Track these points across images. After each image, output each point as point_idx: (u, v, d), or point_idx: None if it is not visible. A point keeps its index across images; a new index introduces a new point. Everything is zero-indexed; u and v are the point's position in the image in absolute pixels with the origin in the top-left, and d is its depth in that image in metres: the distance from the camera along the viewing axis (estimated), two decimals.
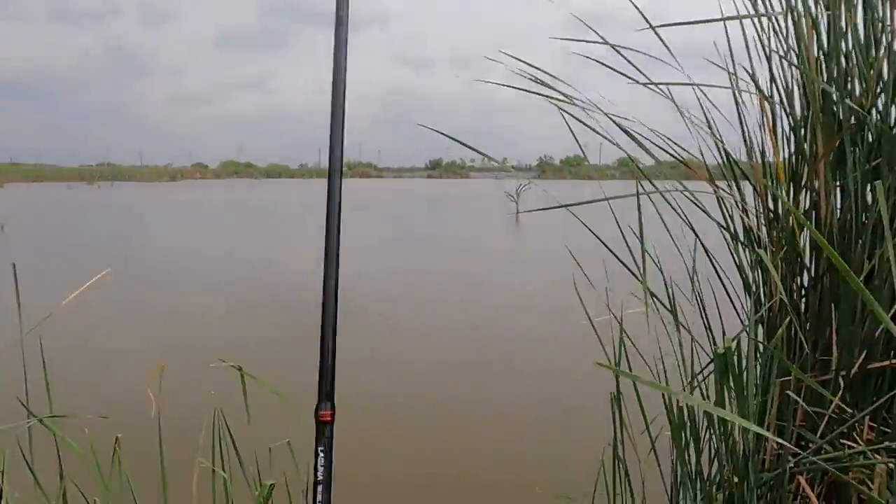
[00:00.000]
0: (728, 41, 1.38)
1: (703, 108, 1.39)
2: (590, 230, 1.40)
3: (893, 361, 1.16)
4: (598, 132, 1.35)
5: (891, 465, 1.10)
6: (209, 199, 29.98)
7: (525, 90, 1.37)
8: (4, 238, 12.69)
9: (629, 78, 1.35)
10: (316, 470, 0.90)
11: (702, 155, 1.43)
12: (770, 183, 1.36)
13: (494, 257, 10.18)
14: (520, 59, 1.38)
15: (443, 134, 1.40)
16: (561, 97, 1.34)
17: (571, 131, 1.44)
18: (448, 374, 4.43)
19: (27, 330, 1.21)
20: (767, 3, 1.31)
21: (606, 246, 1.39)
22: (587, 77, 1.64)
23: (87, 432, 1.24)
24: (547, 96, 1.36)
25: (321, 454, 0.90)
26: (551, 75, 1.36)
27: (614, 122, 1.34)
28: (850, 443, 1.16)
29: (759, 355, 1.32)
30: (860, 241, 1.22)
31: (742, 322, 1.37)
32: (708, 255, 1.44)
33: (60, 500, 1.20)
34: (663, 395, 1.34)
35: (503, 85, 1.39)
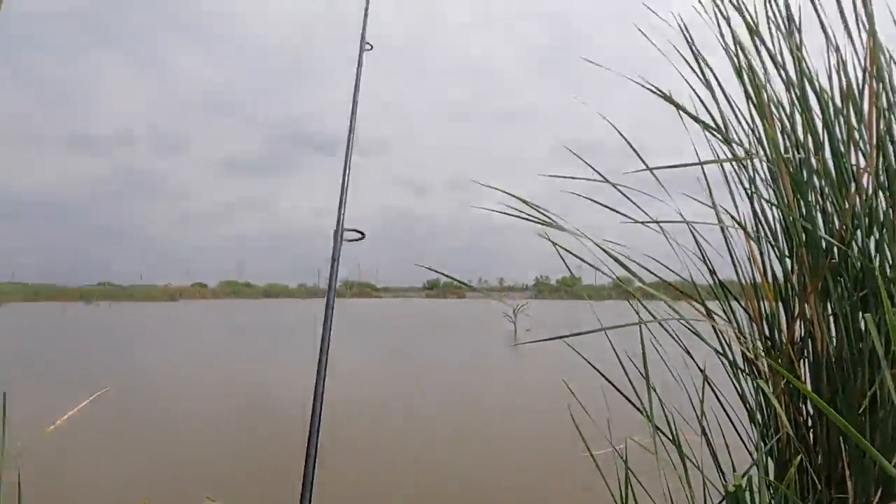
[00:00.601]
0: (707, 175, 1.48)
1: (695, 237, 1.45)
2: (588, 362, 1.39)
3: None
4: (584, 261, 1.40)
5: None
6: (208, 320, 29.89)
7: (514, 215, 1.44)
8: None
9: (618, 213, 1.43)
10: None
11: (692, 281, 1.47)
12: (763, 312, 1.39)
13: (491, 387, 9.96)
14: (507, 192, 1.46)
15: (439, 272, 1.44)
16: (548, 222, 1.40)
17: (563, 258, 1.49)
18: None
19: (7, 461, 1.16)
20: (745, 148, 1.42)
21: (605, 377, 1.38)
22: (579, 201, 1.73)
23: None
24: (535, 221, 1.42)
25: None
26: (533, 205, 1.43)
27: (603, 249, 1.39)
28: None
29: (771, 494, 1.26)
30: (860, 370, 1.21)
31: (749, 454, 1.33)
32: (709, 384, 1.43)
33: None
34: None
35: (494, 210, 1.46)
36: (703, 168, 1.43)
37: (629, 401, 1.31)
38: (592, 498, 1.37)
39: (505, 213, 1.47)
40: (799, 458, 1.16)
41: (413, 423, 6.84)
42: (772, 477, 1.28)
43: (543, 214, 1.43)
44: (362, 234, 1.35)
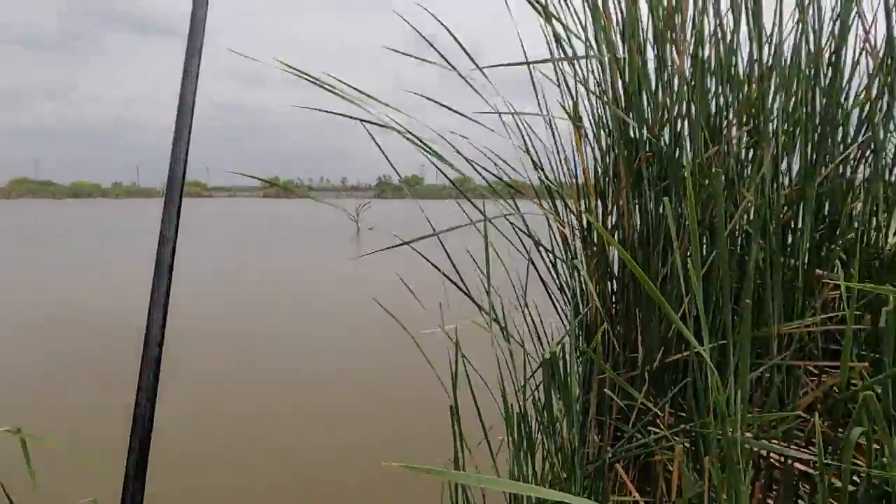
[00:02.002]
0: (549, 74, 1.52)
1: (522, 134, 1.51)
2: (425, 258, 1.44)
3: (685, 354, 1.35)
4: (426, 156, 1.40)
5: (687, 444, 1.27)
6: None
7: (349, 116, 1.37)
8: None
9: (452, 110, 1.43)
10: None
11: (526, 176, 1.55)
12: (582, 202, 1.52)
13: (334, 281, 10.02)
14: (346, 84, 1.38)
15: (257, 177, 1.34)
16: (388, 119, 1.36)
17: (390, 162, 1.48)
18: (277, 403, 4.23)
19: None
20: (581, 46, 1.47)
21: (444, 273, 1.44)
22: (420, 101, 1.70)
23: None
24: (370, 121, 1.38)
25: None
26: (370, 96, 1.38)
27: (431, 152, 1.40)
28: (655, 429, 1.32)
29: (579, 359, 1.45)
30: (656, 251, 1.40)
31: (566, 328, 1.50)
32: (536, 271, 1.56)
33: None
34: (502, 403, 1.42)
35: (331, 112, 1.38)
36: (530, 69, 1.46)
37: (457, 286, 1.39)
38: (430, 375, 1.47)
39: (335, 113, 1.39)
40: (603, 326, 1.34)
41: (252, 328, 6.71)
42: (582, 346, 1.46)
43: (380, 112, 1.38)
44: None
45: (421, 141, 1.40)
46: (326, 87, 1.35)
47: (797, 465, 1.19)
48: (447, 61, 1.49)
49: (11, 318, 6.91)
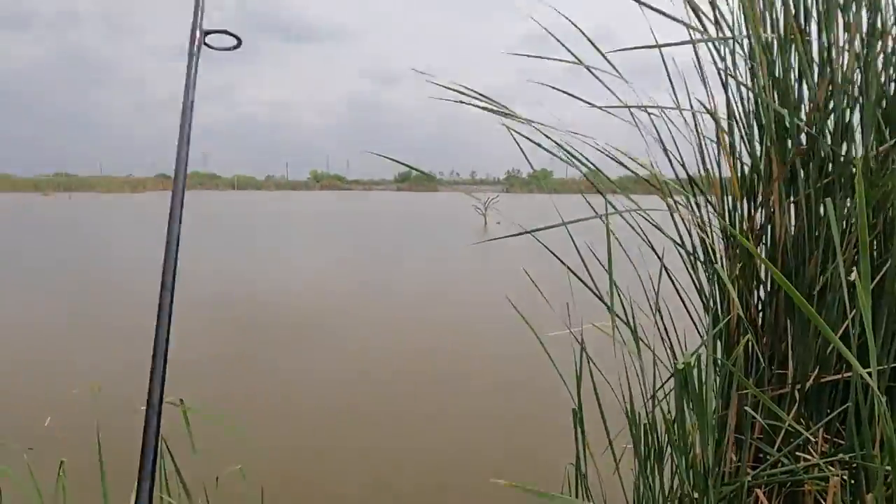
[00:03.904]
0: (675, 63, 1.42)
1: (655, 127, 1.41)
2: (553, 252, 1.40)
3: (845, 375, 1.19)
4: (551, 153, 1.36)
5: (844, 477, 1.12)
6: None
7: (471, 104, 1.37)
8: None
9: (585, 101, 1.38)
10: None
11: (659, 171, 1.45)
12: (726, 199, 1.39)
13: (460, 273, 10.18)
14: (464, 87, 1.38)
15: (395, 160, 1.38)
16: (512, 115, 1.35)
17: (525, 154, 1.45)
18: (403, 386, 4.38)
19: None
20: (724, 29, 1.35)
21: (562, 273, 1.40)
22: (547, 93, 1.66)
23: (25, 458, 1.17)
24: (495, 111, 1.36)
25: None
26: (489, 99, 1.37)
27: (560, 146, 1.36)
28: (805, 455, 1.18)
29: (717, 371, 1.34)
30: (813, 257, 1.25)
31: (701, 337, 1.39)
32: (668, 273, 1.46)
33: None
34: (627, 410, 1.35)
35: (460, 101, 1.39)
36: (661, 53, 1.36)
37: (584, 283, 1.34)
38: (554, 376, 1.44)
39: (461, 102, 1.40)
40: (746, 338, 1.22)
41: (386, 313, 7.03)
42: (719, 356, 1.35)
43: (504, 107, 1.37)
44: (238, 39, 0.97)
45: (547, 135, 1.37)
46: (454, 88, 1.36)
47: None
48: (572, 53, 1.43)
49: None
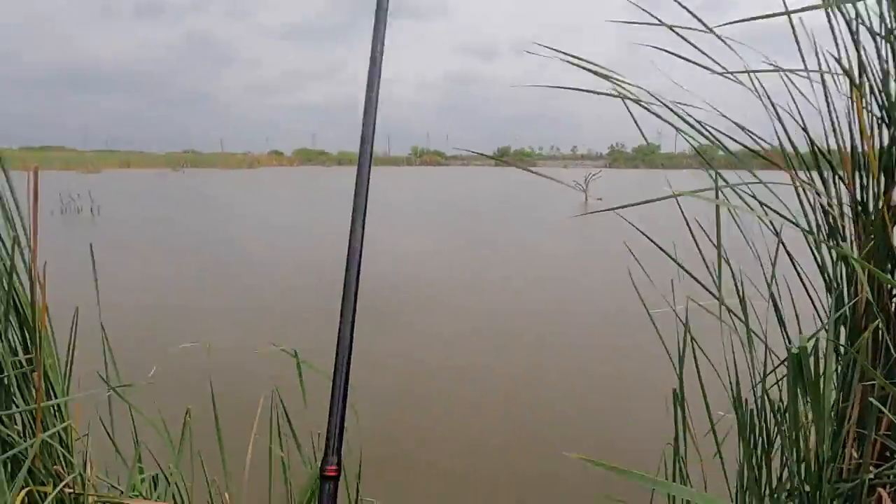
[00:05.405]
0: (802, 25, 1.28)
1: (790, 93, 1.29)
2: (646, 236, 1.34)
3: None
4: (667, 121, 1.29)
5: None
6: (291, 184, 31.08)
7: (578, 89, 1.32)
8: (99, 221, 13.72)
9: (701, 66, 1.28)
10: None
11: (780, 145, 1.34)
12: (860, 173, 1.26)
13: (558, 255, 10.02)
14: (569, 56, 1.33)
15: (483, 154, 1.37)
16: (623, 85, 1.28)
17: (636, 122, 1.38)
18: (499, 368, 4.41)
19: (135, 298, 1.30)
20: None
21: (670, 250, 1.33)
22: (656, 61, 1.56)
23: (156, 404, 1.33)
24: (605, 92, 1.31)
25: None
26: (600, 67, 1.30)
27: (673, 112, 1.27)
28: None
29: (839, 358, 1.23)
30: None
31: (822, 323, 1.28)
32: (786, 250, 1.35)
33: (136, 463, 1.29)
34: (731, 394, 1.28)
35: (561, 87, 1.35)
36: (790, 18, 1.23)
37: (681, 265, 1.27)
38: (658, 355, 1.40)
39: (567, 88, 1.35)
40: (875, 323, 1.11)
41: (478, 288, 7.10)
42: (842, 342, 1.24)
43: (612, 71, 1.31)
44: None
45: (660, 100, 1.30)
46: (560, 55, 1.32)
47: None
48: (694, 16, 1.34)
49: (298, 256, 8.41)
